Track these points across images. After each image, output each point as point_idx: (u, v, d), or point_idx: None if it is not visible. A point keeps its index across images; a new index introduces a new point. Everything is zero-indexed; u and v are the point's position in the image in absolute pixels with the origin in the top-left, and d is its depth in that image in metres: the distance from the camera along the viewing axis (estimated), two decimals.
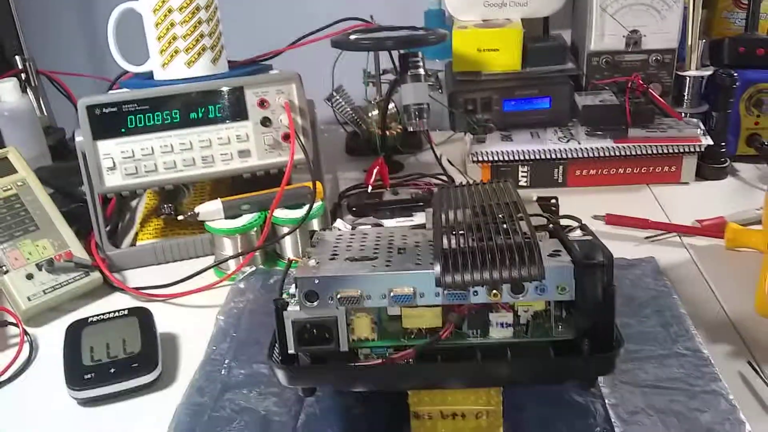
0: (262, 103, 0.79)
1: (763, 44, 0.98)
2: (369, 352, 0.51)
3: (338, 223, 0.63)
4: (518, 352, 0.51)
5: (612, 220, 0.83)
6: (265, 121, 0.79)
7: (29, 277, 0.72)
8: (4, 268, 0.71)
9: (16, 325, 0.69)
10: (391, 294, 0.48)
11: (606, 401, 0.56)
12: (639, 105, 0.93)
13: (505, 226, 0.51)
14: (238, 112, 0.78)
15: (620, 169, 0.94)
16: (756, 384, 0.58)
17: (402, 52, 0.88)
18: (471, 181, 0.81)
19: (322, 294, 0.48)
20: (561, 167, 0.94)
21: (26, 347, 0.67)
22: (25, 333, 0.68)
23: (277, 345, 0.51)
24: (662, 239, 0.81)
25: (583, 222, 0.58)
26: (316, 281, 0.48)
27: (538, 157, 0.93)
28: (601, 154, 0.92)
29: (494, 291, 0.48)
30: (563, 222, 0.61)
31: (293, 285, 0.50)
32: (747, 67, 0.98)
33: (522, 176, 0.94)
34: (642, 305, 0.69)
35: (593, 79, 1.00)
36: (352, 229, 0.63)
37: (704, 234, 0.80)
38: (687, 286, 0.72)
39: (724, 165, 0.96)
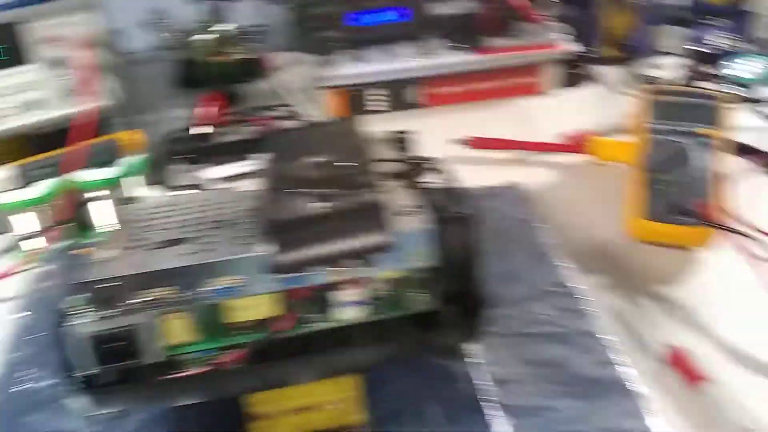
0: (51, 40, 0.63)
1: None
2: (194, 357, 0.42)
3: (139, 191, 0.51)
4: (373, 332, 0.43)
5: (478, 144, 0.75)
6: (57, 63, 0.64)
7: None
8: None
9: None
10: (208, 288, 0.38)
11: (477, 361, 0.50)
12: (497, 11, 0.85)
13: (345, 181, 0.42)
14: (18, 54, 0.63)
15: (483, 84, 0.86)
16: (630, 316, 0.54)
17: None
18: (307, 122, 0.71)
19: (113, 299, 0.37)
20: (420, 86, 0.85)
21: None
22: None
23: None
24: (528, 160, 0.75)
25: (438, 163, 0.49)
26: (103, 285, 0.37)
27: (394, 77, 0.83)
28: (461, 69, 0.83)
29: (337, 267, 0.40)
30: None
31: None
32: None
33: (375, 100, 0.85)
34: (507, 239, 0.63)
35: None
36: (159, 197, 0.52)
37: (571, 150, 0.75)
38: (554, 211, 0.67)
39: (590, 71, 0.91)
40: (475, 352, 0.50)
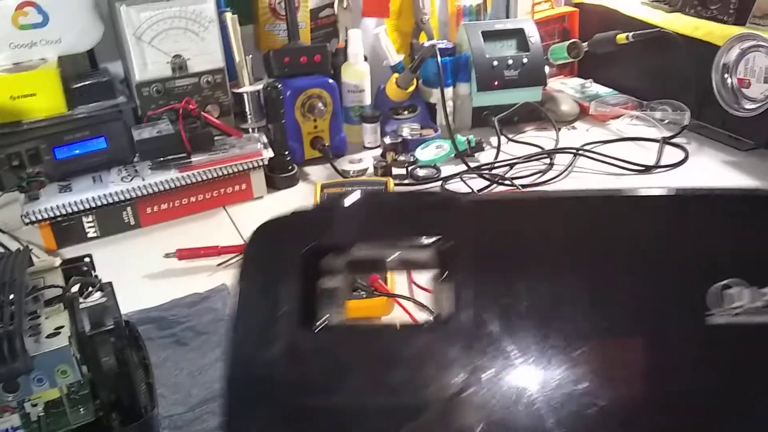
0: None
1: (304, 52, 1.04)
2: None
3: None
4: None
5: (183, 254, 0.80)
6: None
7: None
8: None
9: None
10: None
11: None
12: (195, 130, 0.92)
13: None
14: None
15: (192, 198, 0.92)
16: None
17: None
18: None
19: None
20: (130, 208, 0.88)
21: None
22: None
23: None
24: (235, 262, 0.81)
25: (100, 280, 0.53)
26: None
27: (101, 203, 0.86)
28: (168, 187, 0.88)
29: None
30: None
31: None
32: (295, 75, 1.03)
33: (89, 227, 0.86)
34: (217, 338, 0.67)
35: (149, 110, 0.96)
36: None
37: None
38: None
39: (293, 172, 1.00)
40: None
